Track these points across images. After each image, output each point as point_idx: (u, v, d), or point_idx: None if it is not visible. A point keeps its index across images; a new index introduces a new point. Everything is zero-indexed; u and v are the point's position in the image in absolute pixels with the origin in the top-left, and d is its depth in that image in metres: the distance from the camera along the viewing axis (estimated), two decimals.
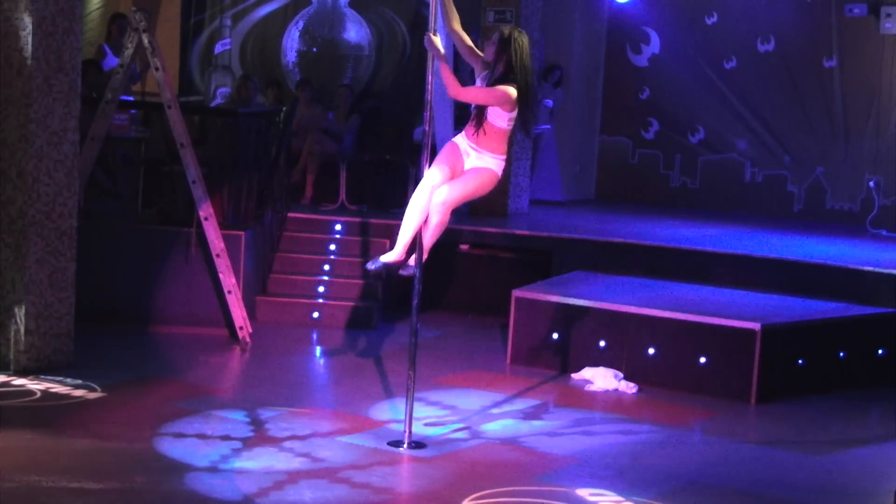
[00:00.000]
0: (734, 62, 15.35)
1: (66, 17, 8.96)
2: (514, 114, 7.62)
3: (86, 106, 10.01)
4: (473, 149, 7.70)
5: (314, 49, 15.35)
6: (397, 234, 7.83)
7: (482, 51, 7.82)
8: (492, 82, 7.63)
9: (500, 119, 7.62)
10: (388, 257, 7.86)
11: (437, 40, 7.61)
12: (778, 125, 15.12)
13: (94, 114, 10.40)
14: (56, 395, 8.51)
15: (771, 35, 15.09)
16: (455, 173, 7.73)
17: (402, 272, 7.89)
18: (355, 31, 15.21)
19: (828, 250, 12.16)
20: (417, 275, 7.79)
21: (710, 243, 12.18)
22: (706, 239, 12.52)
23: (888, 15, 13.99)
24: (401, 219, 7.76)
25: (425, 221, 7.72)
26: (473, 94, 7.71)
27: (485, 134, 7.64)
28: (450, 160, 7.75)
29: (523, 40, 7.66)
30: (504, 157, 7.78)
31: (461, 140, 7.77)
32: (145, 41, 10.20)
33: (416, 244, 7.78)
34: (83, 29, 9.36)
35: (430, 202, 7.66)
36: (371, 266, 7.91)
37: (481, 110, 7.64)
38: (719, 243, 12.21)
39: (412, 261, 7.84)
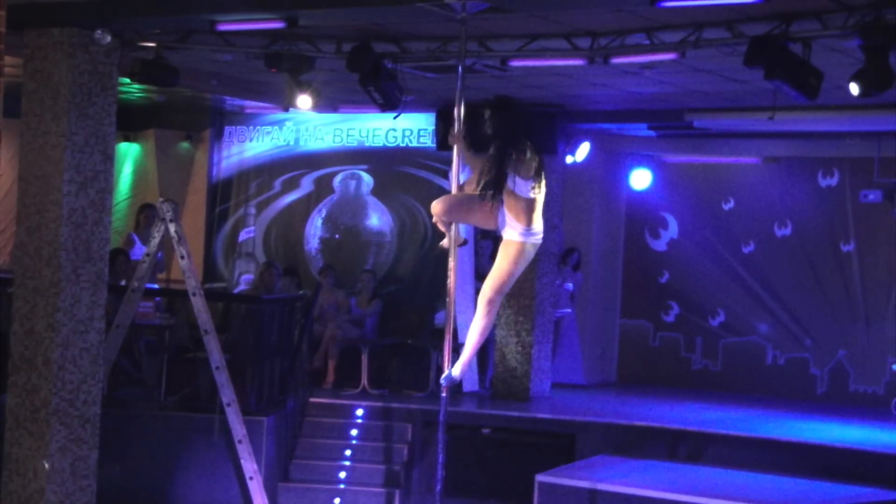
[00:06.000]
0: (752, 246, 15.47)
1: (96, 209, 9.17)
2: (516, 180, 6.95)
3: (112, 294, 10.15)
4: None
5: (336, 236, 15.56)
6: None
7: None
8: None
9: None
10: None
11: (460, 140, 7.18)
12: (798, 308, 15.14)
13: (120, 301, 10.55)
14: None
15: (788, 220, 15.24)
16: None
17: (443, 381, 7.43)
18: (377, 218, 15.44)
19: (852, 434, 12.06)
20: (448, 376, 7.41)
21: (733, 427, 12.09)
22: (729, 422, 12.44)
23: None
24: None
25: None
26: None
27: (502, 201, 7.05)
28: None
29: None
30: (523, 227, 7.03)
31: None
32: (172, 230, 10.41)
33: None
34: (112, 219, 9.55)
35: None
36: (445, 383, 7.47)
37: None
38: (742, 427, 12.13)
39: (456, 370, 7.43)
